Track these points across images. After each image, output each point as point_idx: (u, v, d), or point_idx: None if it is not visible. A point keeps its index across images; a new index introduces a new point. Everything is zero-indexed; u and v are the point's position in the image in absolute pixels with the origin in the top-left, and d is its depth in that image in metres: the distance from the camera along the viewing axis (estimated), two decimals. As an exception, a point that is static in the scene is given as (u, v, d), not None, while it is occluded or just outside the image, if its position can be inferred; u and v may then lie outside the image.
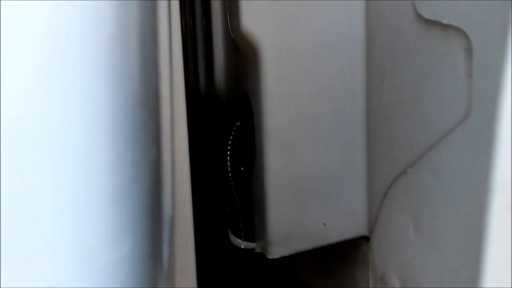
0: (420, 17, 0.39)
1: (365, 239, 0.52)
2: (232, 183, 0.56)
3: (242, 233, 0.56)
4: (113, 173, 0.26)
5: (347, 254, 0.55)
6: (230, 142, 0.56)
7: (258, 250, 0.56)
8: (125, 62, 0.27)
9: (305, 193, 0.52)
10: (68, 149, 0.25)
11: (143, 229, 0.28)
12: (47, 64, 0.24)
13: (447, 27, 0.35)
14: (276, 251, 0.52)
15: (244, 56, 0.52)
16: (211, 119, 0.66)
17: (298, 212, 0.52)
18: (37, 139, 0.24)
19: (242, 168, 0.55)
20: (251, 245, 0.56)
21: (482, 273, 0.21)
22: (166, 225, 0.34)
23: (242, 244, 0.56)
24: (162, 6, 0.31)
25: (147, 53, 0.29)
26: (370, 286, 0.51)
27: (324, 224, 0.52)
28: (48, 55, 0.24)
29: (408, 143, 0.43)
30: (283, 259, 0.53)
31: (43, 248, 0.25)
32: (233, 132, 0.56)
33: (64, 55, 0.24)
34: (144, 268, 0.28)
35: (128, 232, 0.27)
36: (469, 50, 0.33)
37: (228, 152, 0.56)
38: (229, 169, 0.56)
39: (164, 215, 0.33)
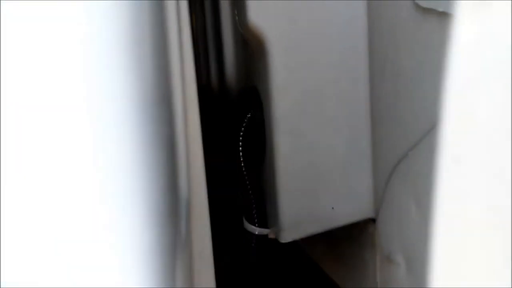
0: (417, 6, 0.41)
1: (372, 221, 0.54)
2: (245, 172, 0.59)
3: (256, 220, 0.58)
4: (132, 156, 0.28)
5: (355, 236, 0.56)
6: (242, 133, 0.58)
7: (271, 235, 0.58)
8: (137, 58, 0.28)
9: (314, 179, 0.53)
10: (85, 135, 0.27)
11: (162, 206, 0.30)
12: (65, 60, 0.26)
13: (442, 14, 0.37)
14: (288, 236, 0.54)
15: (252, 49, 0.54)
16: (223, 113, 0.68)
17: (308, 197, 0.54)
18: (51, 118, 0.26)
19: (254, 157, 0.58)
20: (265, 231, 0.57)
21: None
22: (183, 203, 0.36)
23: (256, 230, 0.58)
24: (171, 5, 0.33)
25: (157, 49, 0.31)
26: (377, 266, 0.53)
27: (332, 208, 0.54)
28: (64, 52, 0.26)
29: (409, 128, 0.44)
30: (294, 243, 0.55)
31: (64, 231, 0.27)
32: (244, 123, 0.58)
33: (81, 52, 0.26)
34: (172, 251, 0.30)
35: (148, 212, 0.29)
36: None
37: (240, 143, 0.58)
38: (241, 159, 0.58)
39: (180, 195, 0.35)
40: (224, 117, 0.68)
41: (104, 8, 0.26)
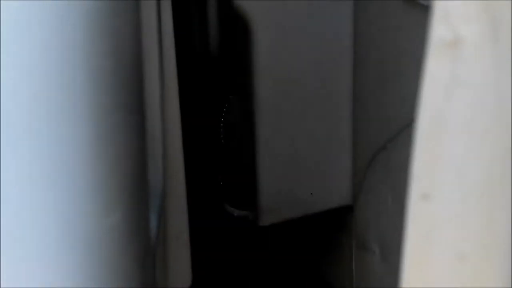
0: (403, -4, 0.40)
1: (350, 208, 0.54)
2: (225, 153, 0.58)
3: (235, 202, 0.58)
4: (94, 145, 0.27)
5: (332, 222, 0.57)
6: (223, 114, 0.58)
7: (250, 217, 0.58)
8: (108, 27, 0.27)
9: (294, 163, 0.53)
10: (43, 117, 0.25)
11: (128, 197, 0.29)
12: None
13: (426, 8, 0.36)
14: (267, 219, 0.54)
15: (236, 29, 0.54)
16: (204, 81, 0.67)
17: (287, 181, 0.54)
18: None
19: (234, 139, 0.57)
20: (243, 213, 0.58)
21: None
22: (156, 194, 0.36)
23: (235, 212, 0.58)
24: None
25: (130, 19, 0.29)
26: (353, 251, 0.54)
27: (311, 193, 0.54)
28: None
29: (389, 117, 0.44)
30: (274, 227, 0.55)
31: (26, 223, 0.26)
32: (225, 104, 0.58)
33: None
34: (132, 238, 0.30)
35: (114, 204, 0.28)
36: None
37: (221, 123, 0.58)
38: (222, 140, 0.58)
39: (152, 186, 0.34)
40: (205, 88, 0.66)
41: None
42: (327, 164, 0.54)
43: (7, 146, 0.25)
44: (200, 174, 0.59)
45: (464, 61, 0.20)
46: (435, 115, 0.21)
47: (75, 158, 0.26)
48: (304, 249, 0.63)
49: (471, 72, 0.20)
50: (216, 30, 0.63)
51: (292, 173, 0.54)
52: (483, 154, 0.21)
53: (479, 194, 0.21)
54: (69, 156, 0.26)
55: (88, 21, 0.26)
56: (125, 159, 0.29)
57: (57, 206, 0.26)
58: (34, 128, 0.25)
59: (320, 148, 0.53)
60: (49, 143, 0.26)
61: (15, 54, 0.24)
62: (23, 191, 0.26)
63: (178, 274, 0.47)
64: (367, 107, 0.49)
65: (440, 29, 0.21)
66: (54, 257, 0.26)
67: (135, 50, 0.30)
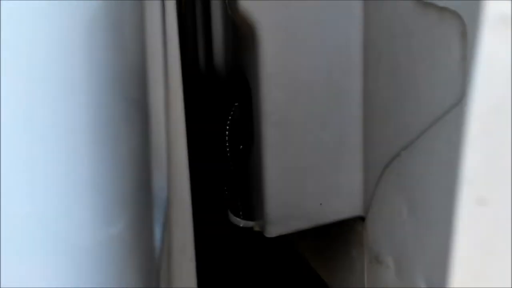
0: (416, 0, 0.39)
1: (361, 219, 0.53)
2: (230, 162, 0.57)
3: (241, 212, 0.57)
4: (96, 153, 0.26)
5: (343, 233, 0.55)
6: (229, 122, 0.56)
7: (256, 228, 0.56)
8: (115, 35, 0.26)
9: (302, 173, 0.52)
10: (47, 123, 0.24)
11: (133, 210, 0.28)
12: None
13: (443, 9, 0.35)
14: (273, 230, 0.53)
15: (242, 36, 0.52)
16: (210, 97, 0.66)
17: (296, 191, 0.52)
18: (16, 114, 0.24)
19: (240, 147, 0.56)
20: (249, 223, 0.56)
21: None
22: (160, 206, 0.34)
23: (241, 222, 0.57)
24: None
25: (137, 28, 0.29)
26: (365, 265, 0.52)
27: (320, 204, 0.52)
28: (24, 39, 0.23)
29: (403, 126, 0.43)
30: (281, 238, 0.54)
31: (27, 233, 0.25)
32: (232, 112, 0.56)
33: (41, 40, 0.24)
34: (134, 250, 0.28)
35: (116, 213, 0.27)
36: (464, 33, 0.32)
37: (227, 132, 0.56)
38: (227, 149, 0.56)
39: (157, 196, 0.33)
40: (210, 102, 0.66)
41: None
42: (337, 173, 0.52)
43: (9, 152, 0.24)
44: (205, 183, 0.58)
45: None
46: (494, 105, 0.19)
47: (77, 164, 0.25)
48: (314, 259, 0.61)
49: None
50: (220, 38, 0.62)
51: (300, 183, 0.52)
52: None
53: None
54: (71, 162, 0.25)
55: (90, 19, 0.25)
56: (128, 166, 0.28)
57: (57, 213, 0.25)
58: (37, 135, 0.24)
59: (330, 157, 0.52)
60: (51, 148, 0.24)
61: (18, 52, 0.23)
62: (23, 199, 0.24)
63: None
64: (378, 114, 0.48)
65: (498, 5, 0.19)
66: (51, 268, 0.25)
67: (138, 58, 0.29)
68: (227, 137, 0.56)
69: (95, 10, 0.25)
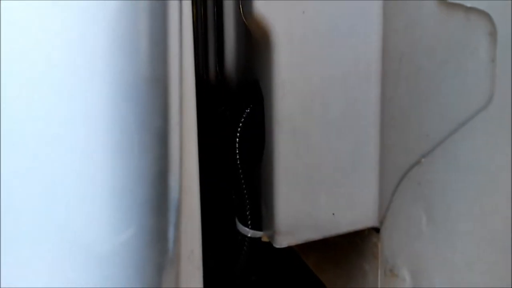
0: (440, 1, 0.38)
1: (375, 230, 0.51)
2: (240, 171, 0.56)
3: (249, 221, 0.55)
4: (114, 159, 0.25)
5: (356, 245, 0.54)
6: (239, 129, 0.55)
7: (265, 239, 0.55)
8: (132, 45, 0.26)
9: (315, 182, 0.51)
10: (66, 129, 0.24)
11: (148, 211, 0.27)
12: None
13: (470, 10, 0.34)
14: (283, 240, 0.51)
15: (255, 41, 0.51)
16: (221, 106, 0.65)
17: (307, 201, 0.51)
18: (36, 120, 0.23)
19: (251, 156, 0.55)
20: (258, 233, 0.55)
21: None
22: (173, 207, 0.33)
23: (249, 232, 0.55)
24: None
25: (156, 39, 0.28)
26: (379, 278, 0.50)
27: (333, 214, 0.51)
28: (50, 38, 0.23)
29: (424, 132, 0.42)
30: (290, 249, 0.52)
31: (43, 239, 0.24)
32: (242, 119, 0.55)
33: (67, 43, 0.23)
34: (149, 251, 0.27)
35: (132, 216, 0.26)
36: (493, 34, 0.31)
37: (237, 139, 0.55)
38: (237, 157, 0.55)
39: (170, 197, 0.32)
40: (221, 111, 0.65)
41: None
42: (351, 183, 0.51)
43: (26, 155, 0.23)
44: (214, 193, 0.57)
45: None
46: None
47: (95, 169, 0.24)
48: (324, 273, 0.60)
49: None
50: (232, 45, 0.61)
51: (312, 192, 0.51)
52: None
53: None
54: (90, 167, 0.24)
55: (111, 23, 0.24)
56: (147, 170, 0.27)
57: (74, 216, 0.24)
58: (55, 137, 0.23)
59: (344, 166, 0.50)
60: (65, 151, 0.24)
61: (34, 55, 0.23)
62: (32, 202, 0.24)
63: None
64: (397, 121, 0.46)
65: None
66: (66, 270, 0.24)
67: (160, 63, 0.29)
68: (237, 145, 0.55)
69: (115, 14, 0.24)
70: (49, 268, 0.24)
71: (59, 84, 0.23)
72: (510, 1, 0.28)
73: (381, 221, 0.50)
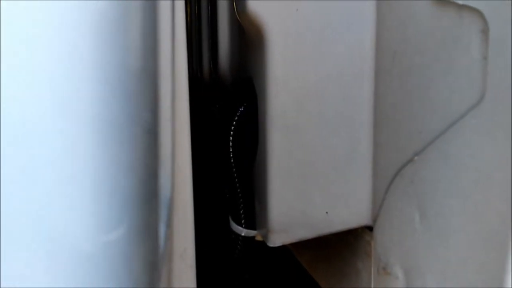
0: (433, -1, 0.38)
1: (368, 229, 0.51)
2: (234, 169, 0.55)
3: (243, 220, 0.55)
4: (101, 154, 0.25)
5: (349, 243, 0.54)
6: (233, 127, 0.55)
7: (258, 237, 0.55)
8: (120, 36, 0.25)
9: (308, 180, 0.50)
10: (52, 124, 0.23)
11: (138, 209, 0.27)
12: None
13: (462, 7, 0.34)
14: (277, 239, 0.51)
15: (249, 39, 0.51)
16: (215, 104, 0.65)
17: (301, 199, 0.51)
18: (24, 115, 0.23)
19: (244, 154, 0.54)
20: (252, 232, 0.55)
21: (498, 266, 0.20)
22: (164, 205, 0.33)
23: (243, 231, 0.55)
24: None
25: (145, 32, 0.28)
26: (372, 276, 0.50)
27: (326, 212, 0.51)
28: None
29: (416, 130, 0.41)
30: (283, 248, 0.52)
31: (32, 237, 0.24)
32: (236, 117, 0.55)
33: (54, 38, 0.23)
34: (139, 250, 0.27)
35: (121, 213, 0.26)
36: (485, 32, 0.31)
37: (231, 137, 0.55)
38: (231, 155, 0.55)
39: (161, 195, 0.32)
40: (214, 109, 0.64)
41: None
42: (345, 181, 0.51)
43: (10, 154, 0.23)
44: (207, 189, 0.57)
45: None
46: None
47: (80, 165, 0.24)
48: (317, 271, 0.60)
49: None
50: (226, 43, 0.61)
51: (306, 191, 0.50)
52: None
53: None
54: (75, 164, 0.24)
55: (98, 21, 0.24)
56: (134, 167, 0.27)
57: (59, 215, 0.24)
58: (39, 136, 0.23)
59: (337, 164, 0.50)
60: (49, 147, 0.23)
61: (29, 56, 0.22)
62: (24, 201, 0.23)
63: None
64: (390, 119, 0.46)
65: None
66: (53, 271, 0.24)
67: (150, 59, 0.29)
68: (231, 143, 0.55)
69: (102, 10, 0.24)
70: (35, 267, 0.24)
71: (42, 77, 0.23)
72: (502, -2, 0.28)
73: (374, 219, 0.50)
